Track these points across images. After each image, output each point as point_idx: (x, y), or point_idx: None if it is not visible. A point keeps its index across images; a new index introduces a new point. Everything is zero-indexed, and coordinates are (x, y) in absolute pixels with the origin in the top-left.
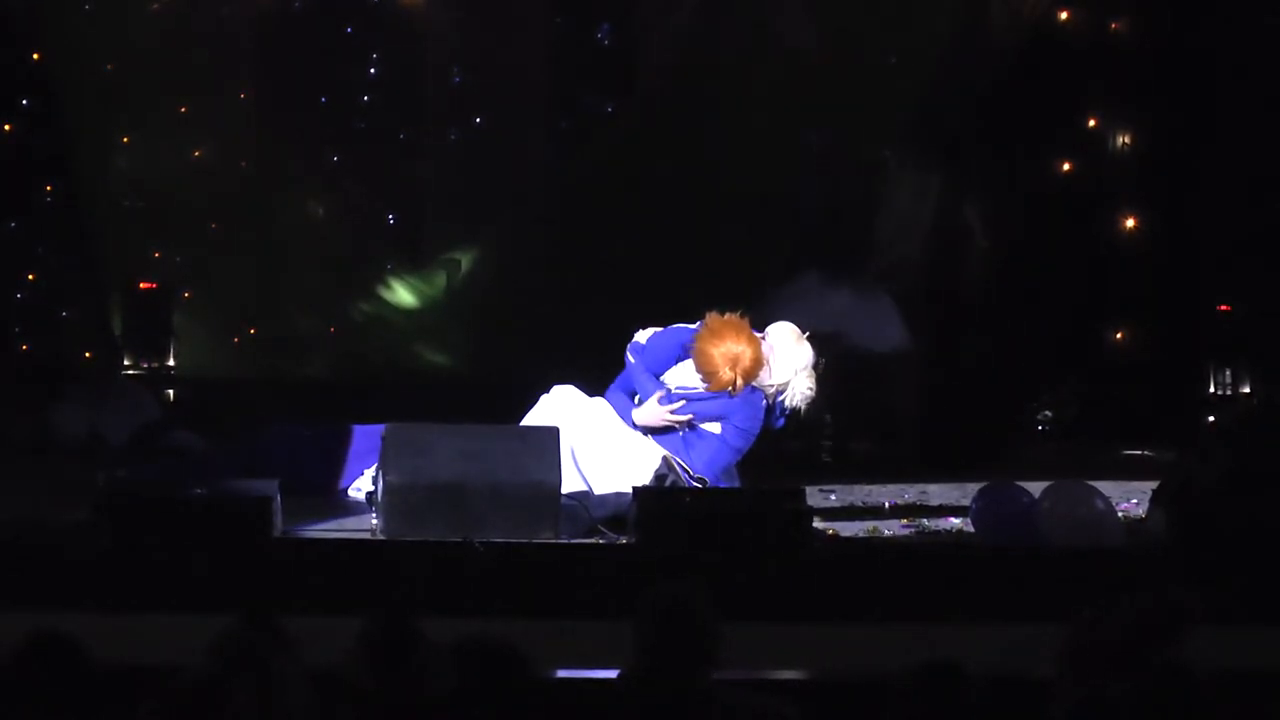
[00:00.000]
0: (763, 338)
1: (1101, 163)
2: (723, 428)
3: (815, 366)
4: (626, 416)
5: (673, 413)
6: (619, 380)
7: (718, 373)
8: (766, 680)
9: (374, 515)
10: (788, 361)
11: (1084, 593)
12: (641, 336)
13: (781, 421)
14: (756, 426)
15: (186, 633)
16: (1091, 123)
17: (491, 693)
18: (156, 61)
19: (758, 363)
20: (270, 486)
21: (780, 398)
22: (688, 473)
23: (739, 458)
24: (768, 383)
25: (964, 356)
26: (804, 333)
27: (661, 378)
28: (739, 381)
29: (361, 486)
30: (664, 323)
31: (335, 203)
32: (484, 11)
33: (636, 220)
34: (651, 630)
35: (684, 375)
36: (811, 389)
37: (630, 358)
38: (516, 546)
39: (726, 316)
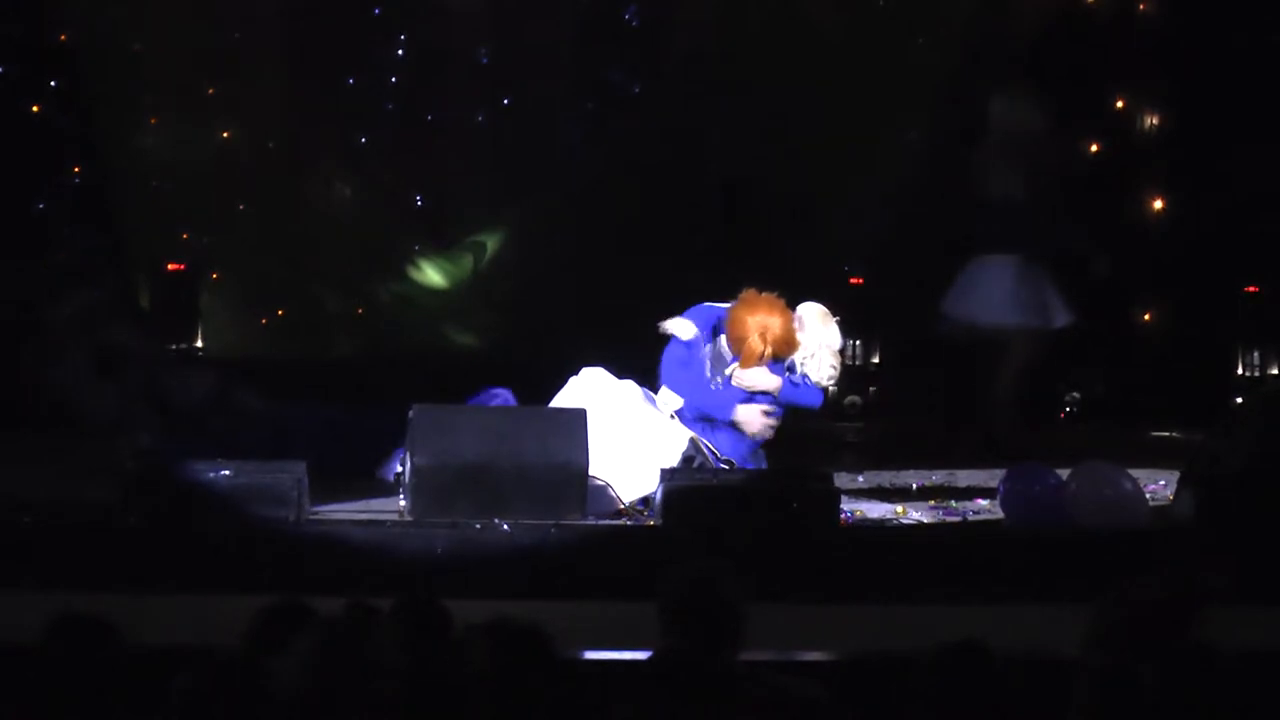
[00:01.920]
0: (795, 316)
1: (1129, 144)
2: None
3: (841, 350)
4: (700, 401)
5: (766, 414)
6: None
7: (748, 338)
8: (793, 661)
9: (401, 496)
10: (813, 335)
11: (1110, 574)
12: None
13: (820, 398)
14: (781, 408)
15: (214, 613)
16: (1119, 104)
17: (519, 673)
18: (184, 43)
19: (788, 335)
20: (298, 467)
21: (802, 368)
22: (715, 454)
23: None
24: (794, 355)
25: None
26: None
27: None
28: (767, 350)
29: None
30: (689, 304)
31: (363, 184)
32: None
33: (663, 201)
34: (677, 611)
35: (716, 360)
36: (836, 368)
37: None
38: (543, 527)
39: (763, 294)
